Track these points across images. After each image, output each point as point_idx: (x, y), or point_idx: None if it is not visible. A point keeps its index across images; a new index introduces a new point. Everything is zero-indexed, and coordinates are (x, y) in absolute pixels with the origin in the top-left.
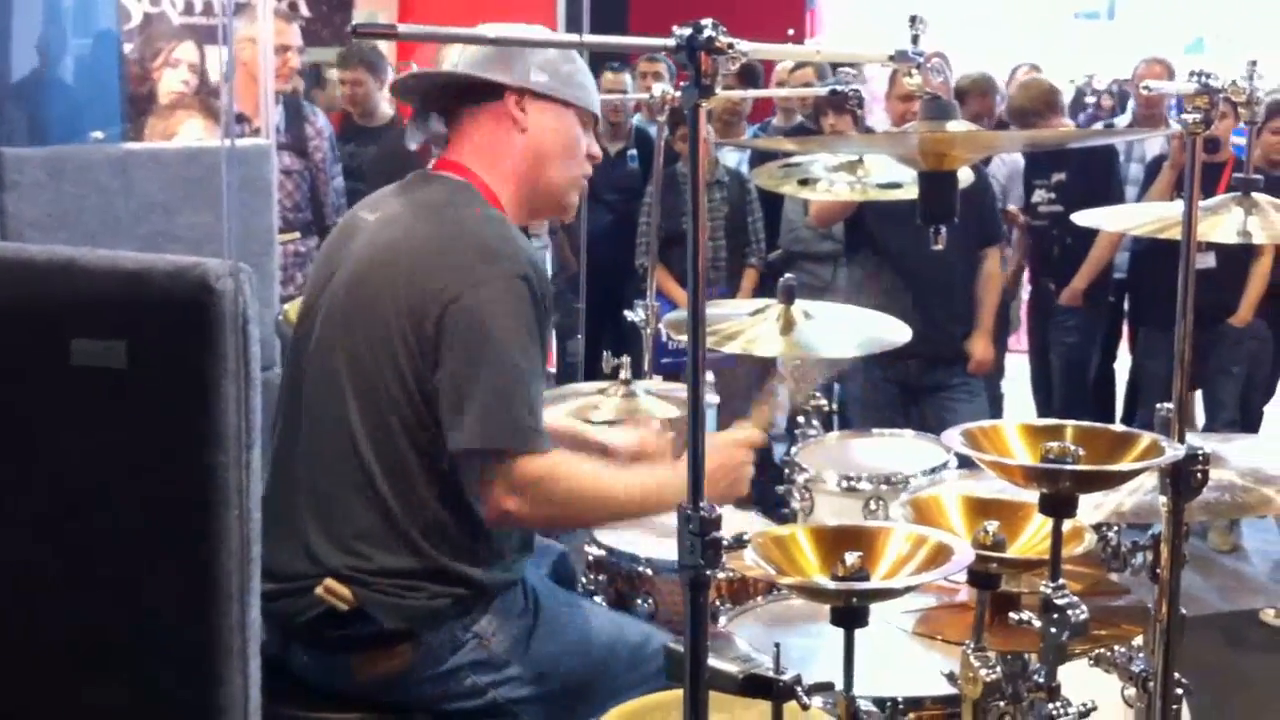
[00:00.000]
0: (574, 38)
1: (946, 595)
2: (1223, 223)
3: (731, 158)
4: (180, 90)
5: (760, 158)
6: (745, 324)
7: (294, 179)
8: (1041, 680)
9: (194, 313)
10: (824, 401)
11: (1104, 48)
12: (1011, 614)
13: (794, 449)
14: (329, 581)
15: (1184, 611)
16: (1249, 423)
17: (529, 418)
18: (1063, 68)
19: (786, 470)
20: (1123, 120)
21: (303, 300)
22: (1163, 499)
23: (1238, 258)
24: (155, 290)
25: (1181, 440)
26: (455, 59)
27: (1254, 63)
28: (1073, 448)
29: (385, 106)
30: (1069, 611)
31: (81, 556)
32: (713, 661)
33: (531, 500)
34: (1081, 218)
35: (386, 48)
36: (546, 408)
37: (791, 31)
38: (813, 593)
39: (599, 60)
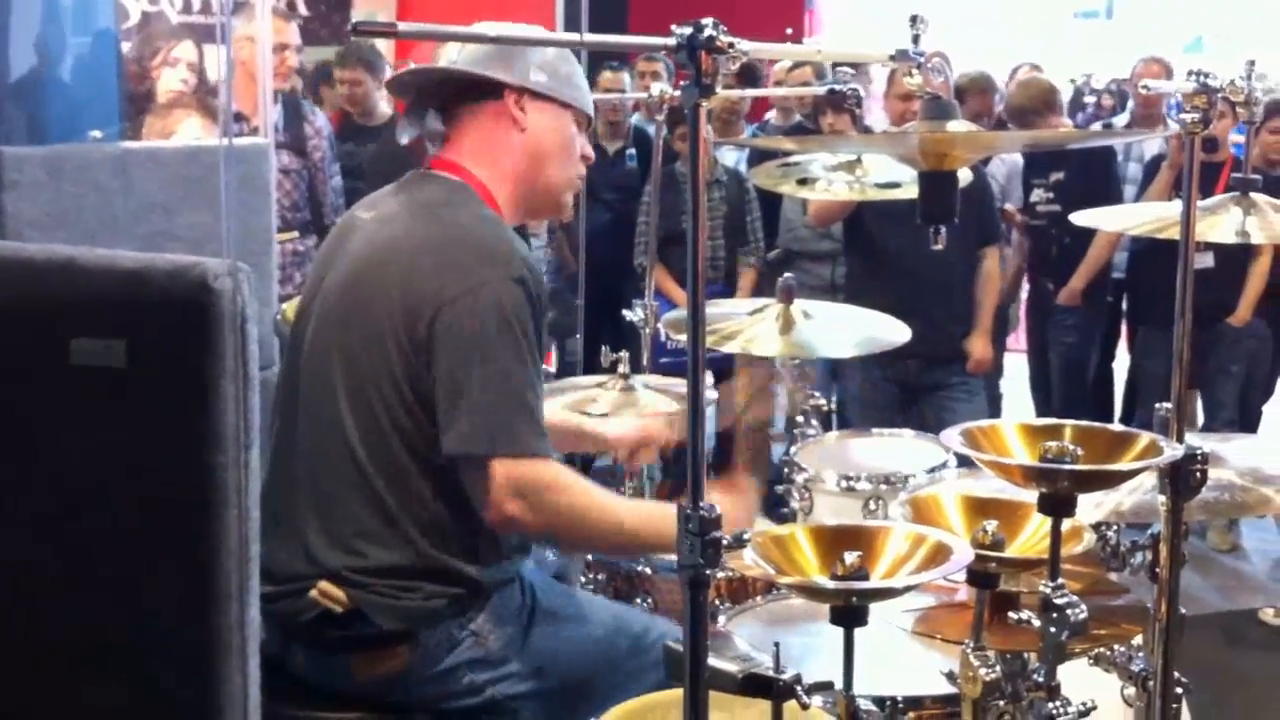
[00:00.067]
0: (573, 37)
1: (946, 594)
2: (1221, 222)
3: (730, 157)
4: (179, 89)
5: (759, 157)
6: (744, 323)
7: (293, 178)
8: (1041, 679)
9: (193, 312)
10: (823, 401)
11: (1103, 47)
12: (1011, 613)
13: (793, 449)
14: (323, 584)
15: (1183, 611)
16: (1247, 422)
17: (528, 421)
18: (1062, 67)
19: (786, 470)
20: (1121, 120)
21: (300, 300)
22: (1162, 498)
23: (1236, 257)
24: (154, 289)
25: (1180, 440)
26: (454, 56)
27: (1252, 62)
28: (1071, 447)
29: (384, 105)
30: (1068, 611)
31: (80, 555)
32: (712, 661)
33: (534, 506)
34: (1080, 217)
35: (385, 46)
36: (544, 400)
37: (790, 31)
38: (812, 592)
39: (598, 59)
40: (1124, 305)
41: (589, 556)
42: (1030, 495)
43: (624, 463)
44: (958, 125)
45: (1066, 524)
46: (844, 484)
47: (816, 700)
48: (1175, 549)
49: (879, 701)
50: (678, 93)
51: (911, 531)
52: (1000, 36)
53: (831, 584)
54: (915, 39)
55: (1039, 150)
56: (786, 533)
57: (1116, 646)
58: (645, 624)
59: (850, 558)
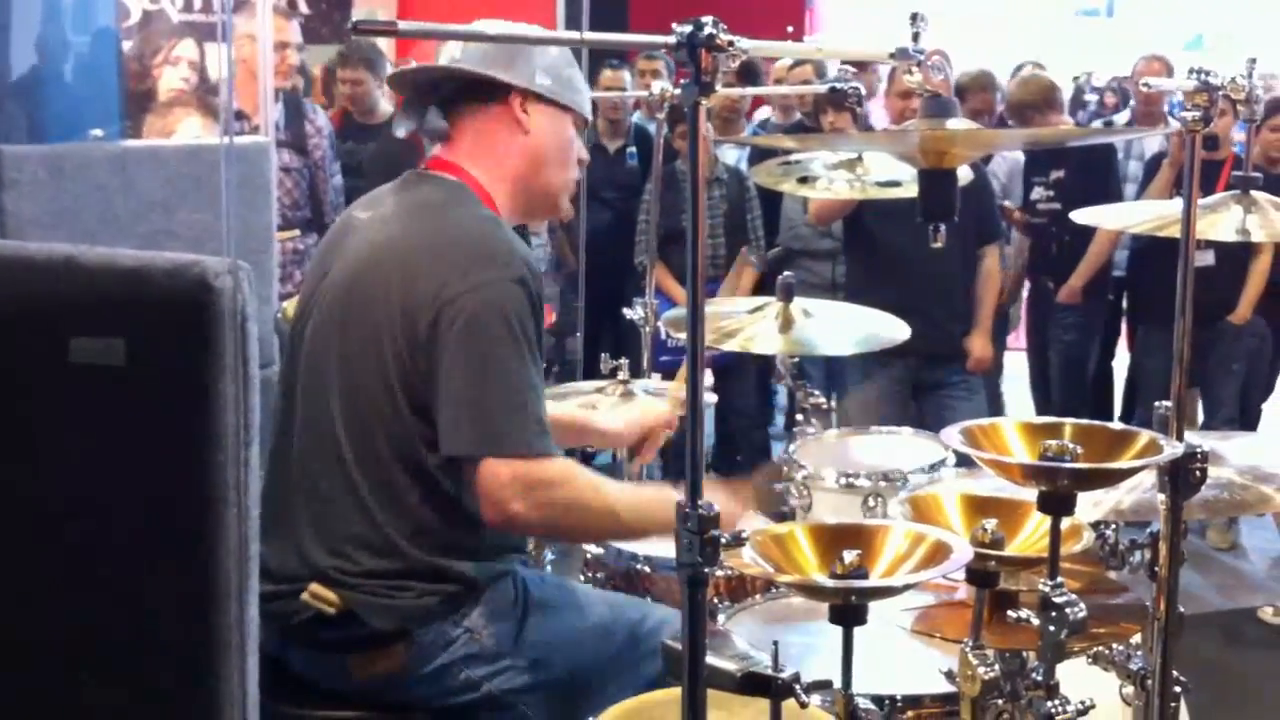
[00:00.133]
0: (574, 35)
1: (945, 593)
2: (1222, 220)
3: (730, 155)
4: (180, 88)
5: (759, 155)
6: (744, 321)
7: (293, 177)
8: (1040, 678)
9: (193, 310)
10: (822, 399)
11: (1104, 45)
12: (1010, 612)
13: (792, 446)
14: (314, 586)
15: (1182, 609)
16: (1247, 420)
17: (529, 421)
18: (1063, 65)
19: (785, 468)
20: (1122, 118)
21: (299, 299)
22: (1161, 497)
23: (1237, 255)
24: (154, 288)
25: (1180, 438)
26: (457, 55)
27: (1253, 60)
28: (1071, 446)
29: (384, 104)
30: (1067, 609)
31: (80, 553)
32: (711, 659)
33: (535, 504)
34: (1080, 215)
35: (385, 45)
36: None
37: (791, 29)
38: (811, 591)
39: (598, 57)
40: (1124, 303)
41: (587, 556)
42: (1030, 494)
43: (626, 462)
44: (957, 123)
45: (1066, 522)
46: (843, 482)
47: (815, 699)
48: (1174, 547)
49: (878, 700)
50: (678, 91)
51: (911, 530)
52: (1001, 35)
53: (830, 582)
54: (915, 37)
55: (1039, 148)
56: (785, 531)
57: (1115, 645)
58: (642, 611)
59: (849, 556)
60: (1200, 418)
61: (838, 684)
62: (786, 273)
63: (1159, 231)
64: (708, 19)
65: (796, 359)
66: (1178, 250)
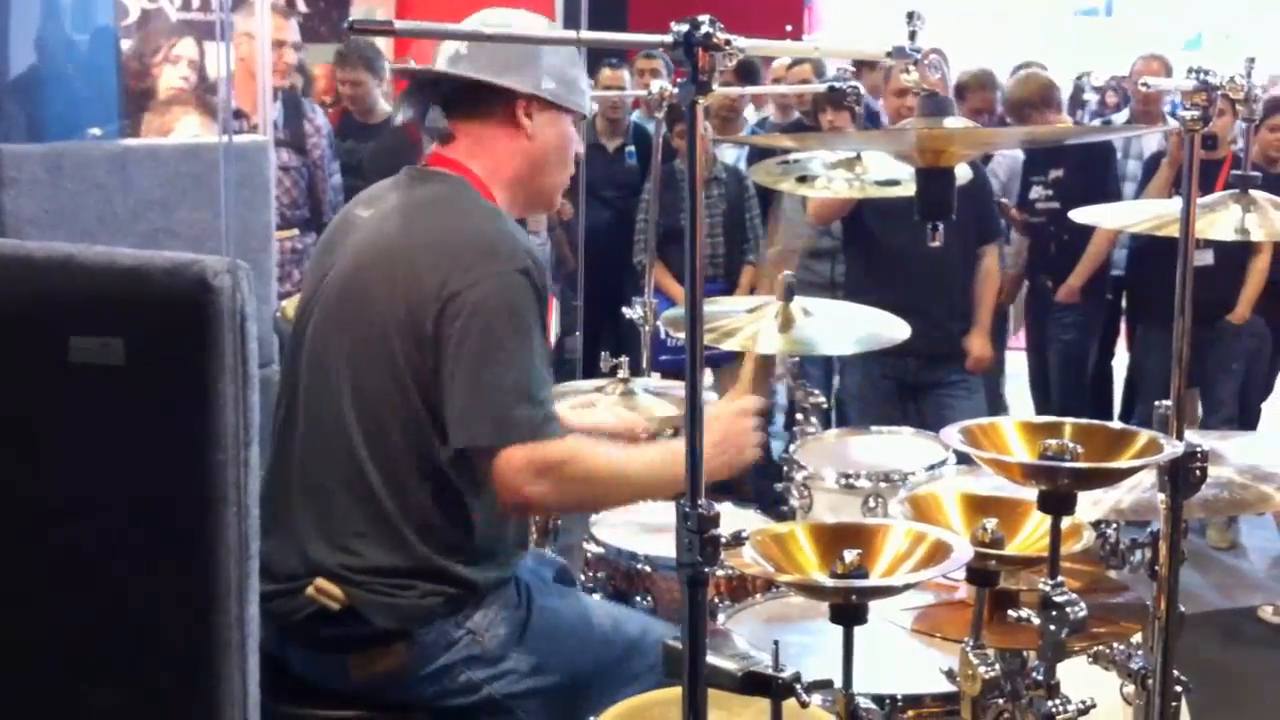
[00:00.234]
0: (571, 34)
1: (945, 592)
2: (1221, 220)
3: (729, 154)
4: (180, 86)
5: (758, 154)
6: (744, 321)
7: (292, 176)
8: (1040, 677)
9: (192, 310)
10: (822, 399)
11: (1103, 44)
12: (1010, 611)
13: (792, 446)
14: (319, 581)
15: (1182, 609)
16: (1246, 420)
17: (537, 408)
18: (1062, 64)
19: (785, 468)
20: (1121, 117)
21: (300, 297)
22: (1161, 496)
23: (1236, 255)
24: (153, 287)
25: (1180, 437)
26: (463, 50)
27: (1252, 60)
28: (1071, 445)
29: (384, 104)
30: (1068, 609)
31: (79, 553)
32: (711, 659)
33: (553, 484)
34: (1079, 215)
35: (384, 44)
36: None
37: (789, 28)
38: (811, 590)
39: (597, 57)
40: (1123, 303)
41: (588, 556)
42: (1030, 493)
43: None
44: (954, 122)
45: (1066, 522)
46: (843, 482)
47: (816, 698)
48: (1174, 547)
49: (878, 700)
50: (676, 90)
51: (911, 529)
52: (1000, 34)
53: (831, 582)
54: (912, 36)
55: (1037, 147)
56: (786, 531)
57: (1116, 644)
58: (643, 626)
59: (849, 556)
60: (1200, 417)
61: (838, 683)
62: (786, 272)
63: (1158, 231)
64: (705, 18)
65: (796, 358)
66: (1177, 249)
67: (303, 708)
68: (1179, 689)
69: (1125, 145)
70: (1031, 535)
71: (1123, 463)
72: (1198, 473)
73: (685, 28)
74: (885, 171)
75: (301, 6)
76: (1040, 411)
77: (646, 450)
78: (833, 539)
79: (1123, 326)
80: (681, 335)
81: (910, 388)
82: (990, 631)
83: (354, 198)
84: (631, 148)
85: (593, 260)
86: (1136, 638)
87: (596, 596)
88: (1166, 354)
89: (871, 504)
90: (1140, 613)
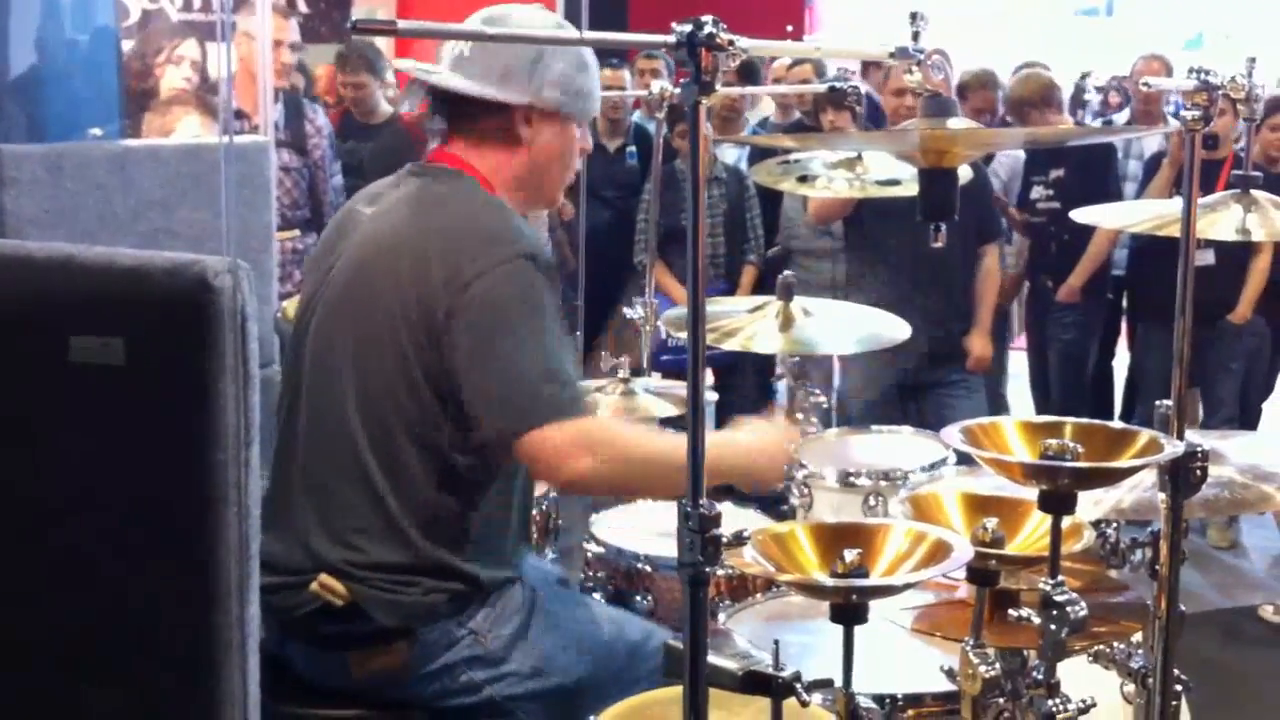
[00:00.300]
0: (573, 34)
1: (945, 592)
2: (1221, 220)
3: (730, 154)
4: (182, 87)
5: (759, 154)
6: (744, 321)
7: (293, 176)
8: (1041, 677)
9: (192, 310)
10: (823, 398)
11: (1103, 44)
12: (1010, 611)
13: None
14: (324, 577)
15: (1183, 608)
16: (1246, 419)
17: (564, 387)
18: (1063, 64)
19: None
20: (1122, 117)
21: (300, 296)
22: (1162, 496)
23: (1236, 255)
24: (154, 287)
25: (1180, 437)
26: (465, 53)
27: (1253, 59)
28: (1071, 445)
29: (385, 104)
30: (1068, 608)
31: (79, 553)
32: (712, 658)
33: (597, 460)
34: (1080, 215)
35: (385, 44)
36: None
37: (790, 28)
38: (812, 590)
39: (598, 56)
40: (1124, 302)
41: (588, 555)
42: (1030, 493)
43: None
44: (957, 122)
45: (1066, 521)
46: (844, 481)
47: (816, 698)
48: (1175, 546)
49: (879, 699)
50: (678, 90)
51: (911, 529)
52: (1000, 34)
53: (831, 581)
54: (915, 36)
55: (1039, 147)
56: (786, 530)
57: (1116, 644)
58: (645, 631)
59: (850, 555)
60: (1200, 417)
61: (839, 683)
62: (786, 271)
63: (1159, 231)
64: (707, 18)
65: (797, 358)
66: (1177, 249)
67: (303, 707)
68: (1179, 688)
69: (1126, 145)
70: (1032, 535)
71: (1123, 462)
72: (1198, 472)
73: (689, 28)
74: (886, 171)
75: (302, 6)
76: (1040, 411)
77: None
78: (833, 538)
79: (1123, 326)
80: (682, 335)
81: (911, 387)
82: (990, 631)
83: (355, 194)
84: (632, 148)
85: (593, 261)
86: (1137, 637)
87: (596, 597)
88: (1167, 354)
89: (872, 503)
90: (1141, 612)
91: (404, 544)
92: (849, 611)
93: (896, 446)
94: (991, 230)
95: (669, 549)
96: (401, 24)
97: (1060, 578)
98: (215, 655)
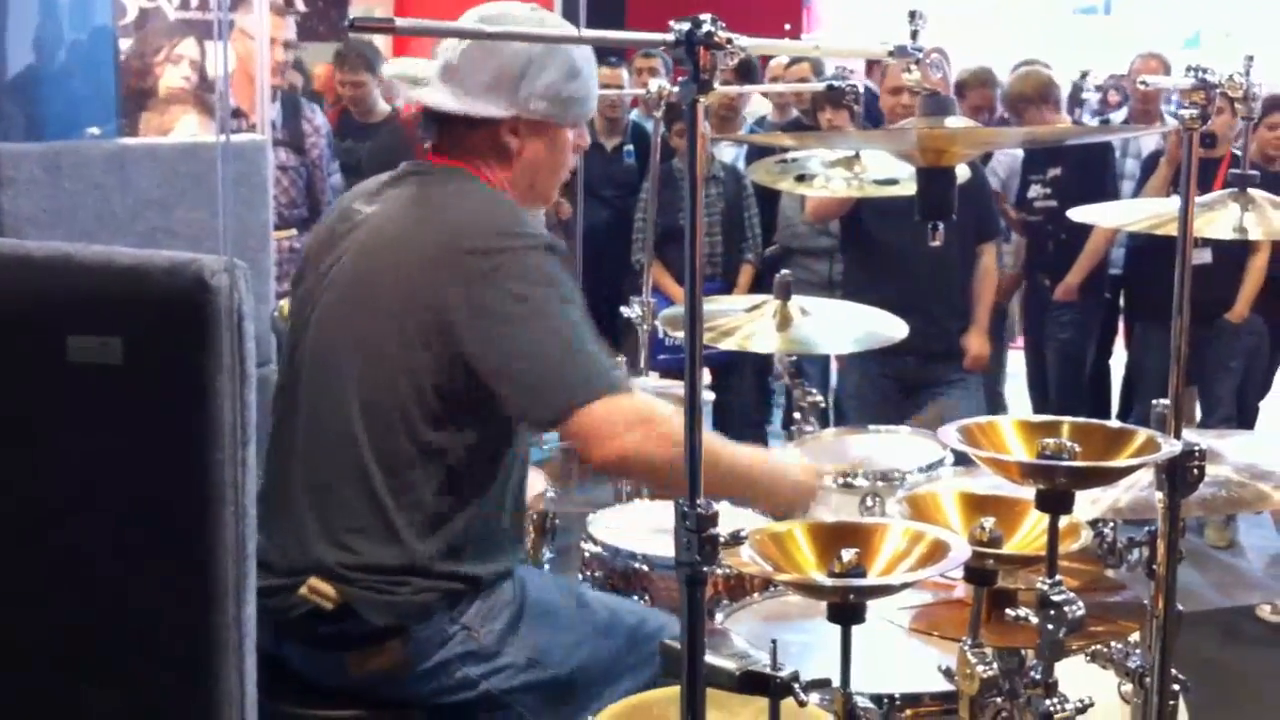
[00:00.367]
0: (570, 33)
1: (943, 591)
2: (1219, 219)
3: (728, 153)
4: (181, 86)
5: (757, 153)
6: (742, 320)
7: (290, 175)
8: (1038, 676)
9: (190, 309)
10: (820, 398)
11: (1102, 43)
12: (1008, 610)
13: (791, 445)
14: (313, 581)
15: (1180, 607)
16: (1244, 418)
17: (599, 363)
18: (1062, 63)
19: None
20: (1119, 116)
21: (294, 295)
22: (1159, 495)
23: (1234, 253)
24: (151, 286)
25: (1178, 436)
26: (453, 60)
27: (1251, 58)
28: (1069, 444)
29: (383, 103)
30: (1066, 607)
31: (77, 552)
32: (709, 658)
33: (643, 437)
34: (1077, 213)
35: (383, 42)
36: None
37: (789, 27)
38: (809, 589)
39: (596, 55)
40: (1121, 301)
41: (585, 555)
42: (1028, 492)
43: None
44: (955, 121)
45: (1064, 521)
46: (841, 481)
47: (814, 698)
48: (1172, 545)
49: (876, 699)
50: (676, 89)
51: (909, 528)
52: (999, 32)
53: (829, 581)
54: (914, 34)
55: (1036, 146)
56: (784, 530)
57: (1114, 643)
58: (640, 616)
59: (847, 555)
60: (1198, 416)
61: (836, 682)
62: (784, 270)
63: (1156, 229)
64: (705, 16)
65: (794, 357)
66: (1175, 248)
67: (301, 707)
68: (1177, 688)
69: (1124, 144)
70: (1029, 534)
71: (1120, 461)
72: (1195, 471)
73: (687, 26)
74: (884, 170)
75: (300, 6)
76: (1038, 410)
77: (741, 445)
78: (831, 538)
79: (1121, 325)
80: (680, 334)
81: (908, 386)
82: (988, 630)
83: (349, 192)
84: (630, 147)
85: (591, 260)
86: (1134, 636)
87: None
88: (1165, 352)
89: (869, 503)
90: (1138, 611)
91: (399, 544)
92: (847, 611)
93: (894, 446)
94: (989, 229)
95: (666, 548)
96: (399, 22)
97: (1058, 577)
98: (213, 655)
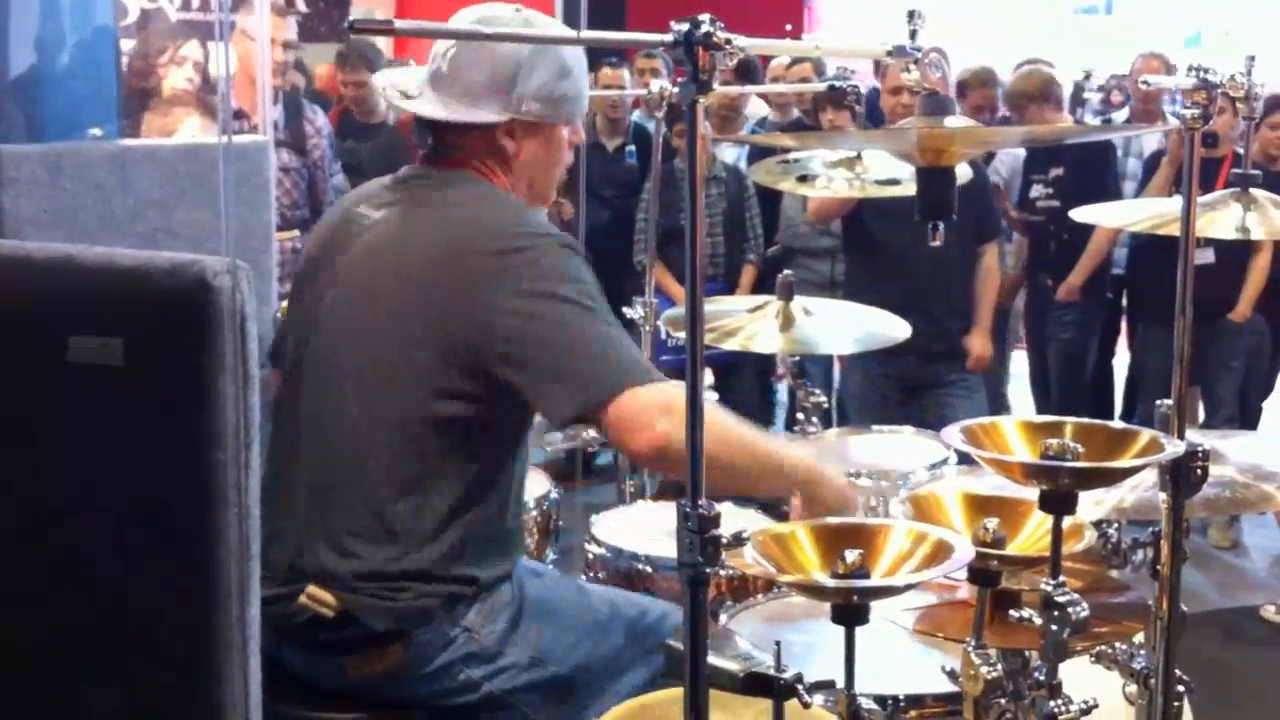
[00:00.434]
0: (570, 33)
1: (947, 592)
2: (1221, 218)
3: (729, 154)
4: (184, 87)
5: (758, 154)
6: (744, 320)
7: (292, 176)
8: (1042, 678)
9: (191, 310)
10: (823, 398)
11: (1103, 42)
12: (1012, 611)
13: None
14: (311, 589)
15: (1184, 608)
16: (1247, 418)
17: (630, 356)
18: (1063, 63)
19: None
20: (1121, 116)
21: (293, 297)
22: (1163, 495)
23: (1236, 253)
24: (153, 287)
25: (1181, 437)
26: (444, 68)
27: (1252, 57)
28: (1072, 444)
29: (384, 104)
30: (1069, 608)
31: (79, 554)
32: (713, 659)
33: (680, 423)
34: (1079, 213)
35: (385, 43)
36: None
37: (789, 27)
38: (813, 591)
39: (597, 56)
40: (1124, 301)
41: (588, 556)
42: (1031, 493)
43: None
44: (955, 121)
45: (1067, 521)
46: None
47: (818, 699)
48: (1176, 546)
49: (880, 700)
50: (676, 89)
51: (912, 529)
52: (1000, 32)
53: (832, 582)
54: (913, 34)
55: (1037, 145)
56: (787, 531)
57: (1118, 644)
58: (642, 607)
59: (851, 556)
60: (1200, 416)
61: (840, 684)
62: (786, 271)
63: (1158, 229)
64: (705, 17)
65: (797, 358)
66: (1177, 248)
67: (305, 710)
68: (1181, 689)
69: (1125, 143)
70: (1033, 535)
71: (1124, 462)
72: (1199, 472)
73: (686, 27)
74: (885, 171)
75: (301, 6)
76: (1040, 410)
77: (772, 437)
78: (834, 539)
79: (1123, 325)
80: (682, 335)
81: (911, 387)
82: (992, 631)
83: (350, 195)
84: (631, 147)
85: (592, 260)
86: (1139, 637)
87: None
88: (1167, 353)
89: (872, 504)
90: (1142, 612)
91: (400, 549)
92: (850, 612)
93: (897, 446)
94: (991, 229)
95: (669, 549)
96: (399, 24)
97: (1061, 578)
98: (216, 656)
